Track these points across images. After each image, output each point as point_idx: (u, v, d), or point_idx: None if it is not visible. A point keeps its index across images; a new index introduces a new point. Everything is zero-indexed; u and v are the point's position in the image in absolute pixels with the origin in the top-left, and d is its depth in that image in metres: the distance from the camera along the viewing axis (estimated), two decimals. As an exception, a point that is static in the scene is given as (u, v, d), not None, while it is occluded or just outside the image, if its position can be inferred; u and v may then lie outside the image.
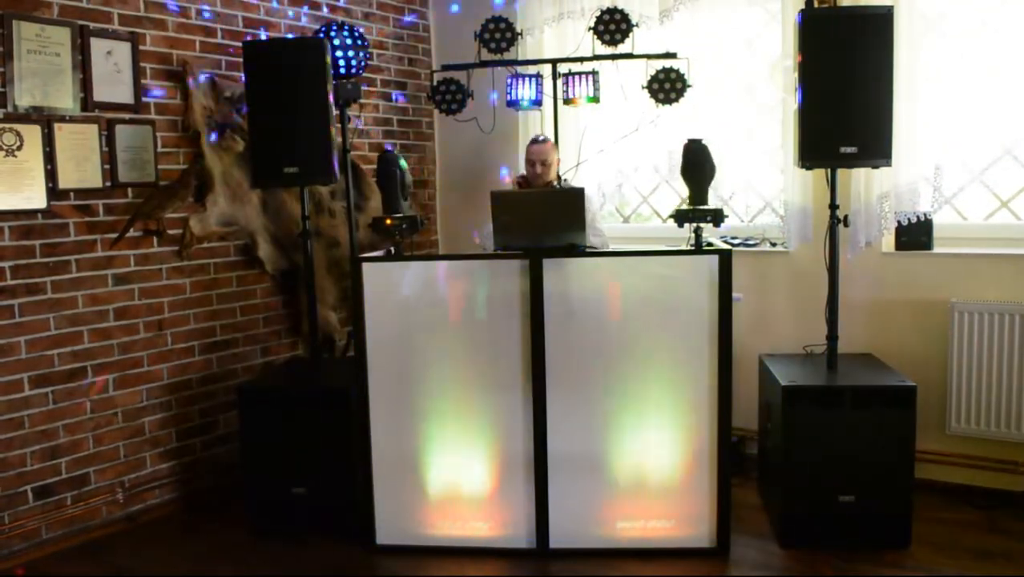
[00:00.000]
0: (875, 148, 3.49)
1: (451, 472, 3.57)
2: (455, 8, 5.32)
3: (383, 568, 3.51)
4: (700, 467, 3.43)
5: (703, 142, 3.58)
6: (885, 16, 3.43)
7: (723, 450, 3.40)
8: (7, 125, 3.50)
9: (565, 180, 4.49)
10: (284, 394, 3.80)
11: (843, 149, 3.49)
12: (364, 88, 4.98)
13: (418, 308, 3.58)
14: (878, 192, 4.06)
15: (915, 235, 4.08)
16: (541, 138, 4.36)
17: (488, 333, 3.50)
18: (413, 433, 3.58)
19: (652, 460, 3.45)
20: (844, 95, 3.45)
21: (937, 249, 4.07)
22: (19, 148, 3.54)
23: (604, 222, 4.70)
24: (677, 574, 3.33)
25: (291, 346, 4.74)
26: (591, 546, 3.50)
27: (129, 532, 3.91)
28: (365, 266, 3.54)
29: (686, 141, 3.60)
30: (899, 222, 4.07)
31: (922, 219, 4.05)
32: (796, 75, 3.52)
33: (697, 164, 3.56)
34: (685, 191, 3.66)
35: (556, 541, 3.51)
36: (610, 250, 4.19)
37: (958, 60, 3.98)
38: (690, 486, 3.44)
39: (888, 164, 3.56)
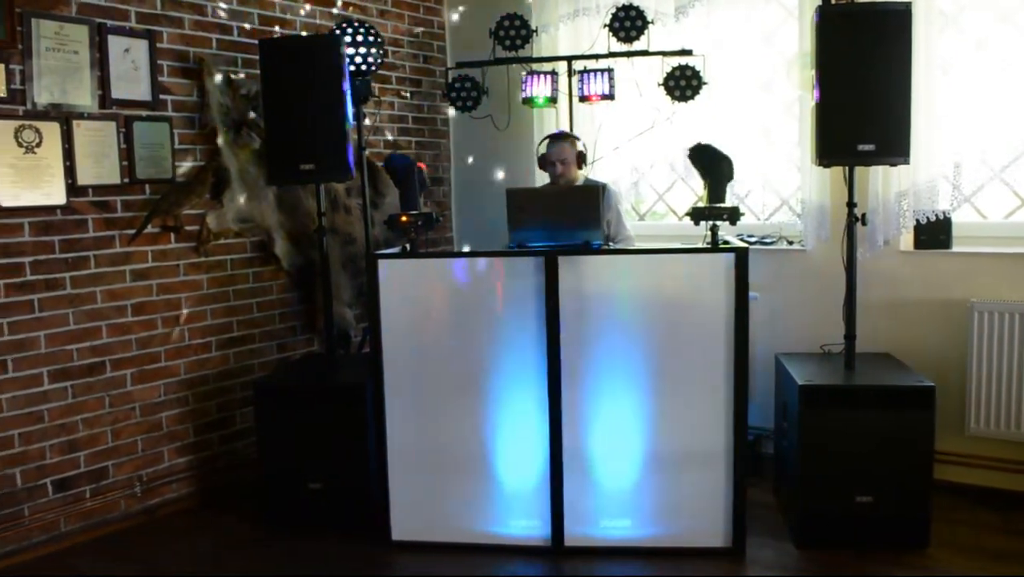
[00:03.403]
0: (893, 146, 3.46)
1: (466, 468, 3.57)
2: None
3: (398, 564, 3.52)
4: (716, 466, 3.41)
5: (702, 143, 3.53)
6: (903, 12, 3.40)
7: (739, 449, 3.39)
8: (27, 122, 3.53)
9: (587, 179, 4.47)
10: (300, 390, 3.82)
11: (861, 147, 3.46)
12: (379, 86, 5.00)
13: (433, 305, 3.58)
14: (896, 190, 4.03)
15: (934, 234, 4.05)
16: (557, 132, 4.34)
17: (503, 330, 3.50)
18: (428, 429, 3.58)
19: (667, 458, 3.44)
20: (862, 92, 3.42)
21: (956, 248, 4.04)
22: (38, 145, 3.57)
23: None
24: (692, 574, 3.32)
25: (307, 342, 4.75)
26: (606, 544, 3.50)
27: (147, 526, 3.94)
28: (380, 263, 3.55)
29: (687, 150, 3.56)
30: (917, 220, 4.03)
31: (941, 217, 4.01)
32: (813, 72, 3.50)
33: (707, 166, 3.53)
34: (701, 189, 3.65)
35: (571, 539, 3.51)
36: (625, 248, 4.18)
37: (977, 56, 3.95)
38: (706, 485, 3.43)
39: (906, 162, 3.53)
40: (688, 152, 3.56)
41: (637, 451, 3.45)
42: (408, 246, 3.68)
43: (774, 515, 3.82)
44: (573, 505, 3.49)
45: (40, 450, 3.65)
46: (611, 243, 4.26)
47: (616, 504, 3.49)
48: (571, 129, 4.61)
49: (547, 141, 4.32)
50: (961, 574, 3.25)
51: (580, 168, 4.28)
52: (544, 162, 4.33)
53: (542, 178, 4.93)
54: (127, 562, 3.58)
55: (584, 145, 4.33)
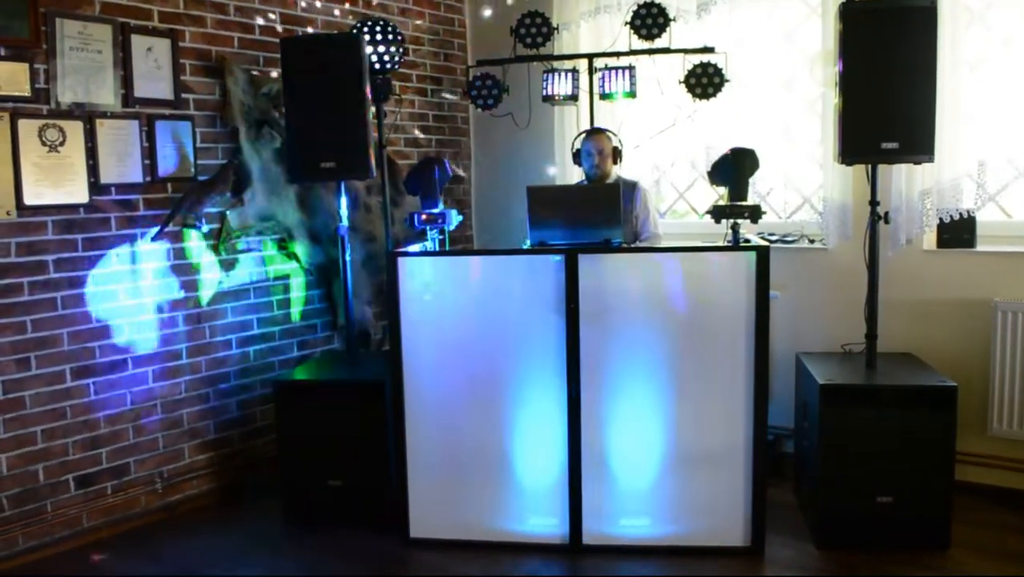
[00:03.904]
0: (917, 144, 3.42)
1: (485, 466, 3.57)
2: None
3: (416, 561, 3.53)
4: (735, 465, 3.40)
5: (722, 156, 3.55)
6: (928, 8, 3.36)
7: (759, 448, 3.37)
8: (50, 121, 3.56)
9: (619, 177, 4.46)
10: (320, 388, 3.84)
11: (884, 145, 3.43)
12: (399, 83, 5.01)
13: (453, 303, 3.58)
14: (920, 188, 3.99)
15: (958, 233, 4.01)
16: (593, 127, 4.37)
17: (523, 328, 3.50)
18: (447, 427, 3.59)
19: (686, 457, 3.43)
20: (886, 90, 3.39)
21: (980, 247, 4.00)
22: (62, 144, 3.60)
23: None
24: (711, 573, 3.31)
25: (327, 340, 4.77)
26: (624, 543, 3.49)
27: (167, 522, 3.97)
28: (400, 260, 3.56)
29: (711, 166, 3.59)
30: (941, 219, 4.00)
31: (965, 216, 3.97)
32: (836, 69, 3.47)
33: (731, 170, 3.52)
34: (722, 187, 3.63)
35: (589, 537, 3.50)
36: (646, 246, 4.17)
37: (1004, 53, 3.90)
38: (725, 484, 3.41)
39: (930, 160, 3.50)
40: (709, 173, 3.57)
41: (656, 450, 3.44)
42: (428, 244, 3.69)
43: (794, 515, 3.80)
44: (591, 503, 3.49)
45: (63, 446, 3.69)
46: (637, 241, 4.26)
47: (634, 502, 3.49)
48: (591, 127, 4.59)
49: (583, 135, 4.35)
50: (982, 575, 3.21)
51: (615, 163, 4.29)
52: (581, 155, 4.33)
53: (564, 176, 4.93)
54: (148, 558, 3.61)
55: (620, 141, 4.34)
